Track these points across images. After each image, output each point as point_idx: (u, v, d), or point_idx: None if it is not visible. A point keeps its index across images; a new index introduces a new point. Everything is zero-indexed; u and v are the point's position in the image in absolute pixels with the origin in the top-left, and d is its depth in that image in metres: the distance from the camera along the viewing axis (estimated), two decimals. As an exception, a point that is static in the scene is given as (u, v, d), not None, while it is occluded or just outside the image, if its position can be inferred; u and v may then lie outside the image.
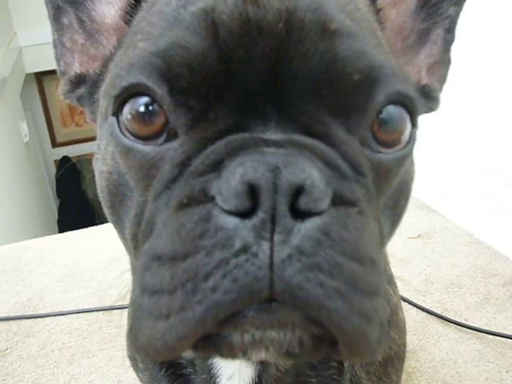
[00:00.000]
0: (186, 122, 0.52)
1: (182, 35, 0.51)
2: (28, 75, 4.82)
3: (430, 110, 0.74)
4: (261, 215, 0.45)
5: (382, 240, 0.57)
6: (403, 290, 1.37)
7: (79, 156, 5.38)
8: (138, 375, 0.87)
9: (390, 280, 0.81)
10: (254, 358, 0.49)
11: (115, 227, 0.62)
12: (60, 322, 1.47)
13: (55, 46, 0.73)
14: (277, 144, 0.48)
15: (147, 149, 0.53)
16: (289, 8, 0.51)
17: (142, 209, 0.55)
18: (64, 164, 5.42)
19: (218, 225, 0.45)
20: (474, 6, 0.78)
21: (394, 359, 0.81)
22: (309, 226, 0.45)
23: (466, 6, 0.70)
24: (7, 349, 1.37)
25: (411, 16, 0.70)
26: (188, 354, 0.50)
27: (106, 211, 0.62)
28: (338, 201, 0.48)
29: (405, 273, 1.50)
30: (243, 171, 0.45)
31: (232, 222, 0.45)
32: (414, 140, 0.58)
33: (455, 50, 0.74)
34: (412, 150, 0.58)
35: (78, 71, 0.72)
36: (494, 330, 1.33)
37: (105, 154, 0.60)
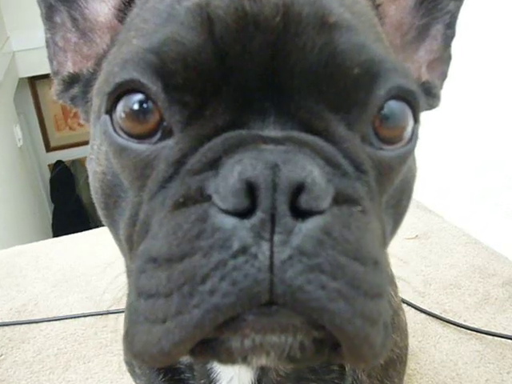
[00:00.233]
0: (182, 119, 0.50)
1: (176, 30, 0.50)
2: (21, 79, 4.80)
3: (431, 107, 0.73)
4: (260, 215, 0.43)
5: (385, 240, 0.56)
6: (402, 291, 1.36)
7: (73, 160, 5.36)
8: (135, 381, 0.86)
9: (391, 281, 0.80)
10: (254, 363, 0.47)
11: (109, 229, 0.61)
12: (55, 327, 1.45)
13: (48, 46, 0.72)
14: (275, 141, 0.47)
15: (141, 147, 0.52)
16: (286, 1, 0.50)
17: (136, 210, 0.53)
18: (58, 168, 5.39)
19: (215, 225, 0.44)
20: (475, 0, 0.77)
21: (395, 362, 0.80)
22: (310, 225, 0.44)
23: (466, 1, 0.69)
24: (2, 355, 1.35)
25: (410, 12, 0.69)
26: (185, 359, 0.49)
27: (100, 213, 0.61)
28: (340, 199, 0.46)
29: (403, 274, 1.48)
30: (241, 169, 0.44)
31: (230, 221, 0.43)
32: (417, 136, 0.56)
33: (455, 46, 0.73)
34: (414, 146, 0.57)
35: (71, 71, 0.71)
36: (493, 330, 1.31)
37: (98, 153, 0.58)
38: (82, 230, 1.98)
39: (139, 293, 0.48)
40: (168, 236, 0.46)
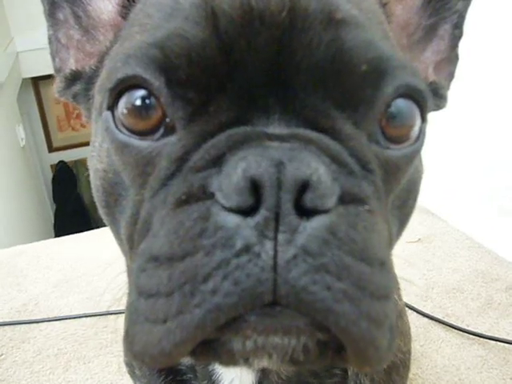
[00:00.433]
0: (185, 115, 0.50)
1: (180, 25, 0.49)
2: (25, 80, 4.81)
3: (438, 107, 0.72)
4: (264, 213, 0.42)
5: (391, 242, 0.55)
6: (404, 294, 1.35)
7: (75, 160, 5.36)
8: (135, 383, 0.85)
9: (396, 283, 0.79)
10: (256, 365, 0.46)
11: (110, 228, 0.60)
12: (55, 327, 1.44)
13: (50, 42, 0.71)
14: (280, 138, 0.46)
15: (143, 144, 0.51)
16: None
17: (137, 208, 0.52)
18: (60, 168, 5.40)
19: (218, 223, 0.43)
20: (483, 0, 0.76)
21: (399, 366, 0.79)
22: (315, 224, 0.43)
23: (474, 1, 0.68)
24: (2, 354, 1.35)
25: (417, 11, 0.68)
26: (186, 360, 0.48)
27: (101, 211, 0.60)
28: (346, 198, 0.45)
29: (405, 277, 1.47)
30: (245, 166, 0.43)
31: (233, 220, 0.42)
32: (424, 136, 0.55)
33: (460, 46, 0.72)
34: (422, 146, 0.56)
35: (74, 68, 0.70)
36: (496, 335, 1.30)
37: (100, 151, 0.57)
38: (83, 230, 1.98)
39: (140, 292, 0.47)
40: (169, 234, 0.45)
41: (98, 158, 0.58)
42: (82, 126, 5.35)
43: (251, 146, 0.45)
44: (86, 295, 1.56)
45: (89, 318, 1.46)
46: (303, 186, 0.42)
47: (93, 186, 0.60)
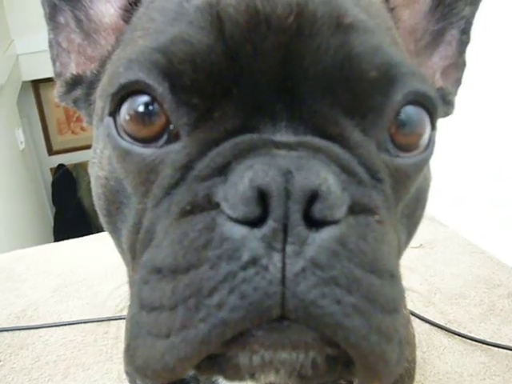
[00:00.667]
0: (189, 122, 0.48)
1: (184, 29, 0.48)
2: (24, 83, 4.80)
3: (446, 114, 0.71)
4: (271, 224, 0.41)
5: (399, 252, 0.54)
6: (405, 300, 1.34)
7: (75, 164, 5.35)
8: (136, 392, 0.84)
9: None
10: (263, 380, 0.45)
11: (112, 236, 0.59)
12: (55, 333, 1.43)
13: (51, 46, 0.70)
14: (288, 146, 0.45)
15: (146, 152, 0.50)
16: (300, 1, 0.48)
17: (140, 217, 0.51)
18: (60, 172, 5.39)
19: (223, 234, 0.41)
20: (490, 5, 0.75)
21: (404, 377, 0.78)
22: (324, 235, 0.41)
23: (481, 6, 0.68)
24: (0, 361, 1.33)
25: (424, 17, 0.67)
26: (190, 372, 0.47)
27: (102, 219, 0.58)
28: (356, 208, 0.44)
29: (407, 283, 1.46)
30: (252, 175, 0.42)
31: (239, 231, 0.41)
32: (434, 144, 0.54)
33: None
34: (431, 154, 0.55)
35: (75, 72, 0.69)
36: (499, 342, 1.29)
37: (101, 158, 0.56)
38: (83, 234, 1.97)
39: (142, 305, 0.46)
40: (173, 245, 0.44)
41: (99, 164, 0.57)
42: (82, 129, 5.34)
43: (258, 154, 0.44)
44: (85, 301, 1.55)
45: (88, 324, 1.44)
46: (312, 196, 0.41)
47: (94, 193, 0.59)
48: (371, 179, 0.48)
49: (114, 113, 0.52)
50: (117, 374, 1.26)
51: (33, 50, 4.21)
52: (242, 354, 0.43)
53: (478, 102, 1.61)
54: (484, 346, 1.29)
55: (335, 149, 0.47)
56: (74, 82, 0.69)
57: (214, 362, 0.44)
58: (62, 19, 0.68)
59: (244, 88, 0.47)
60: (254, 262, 0.40)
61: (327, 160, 0.45)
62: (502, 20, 1.55)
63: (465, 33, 0.70)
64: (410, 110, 0.51)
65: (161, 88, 0.48)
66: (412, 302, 1.43)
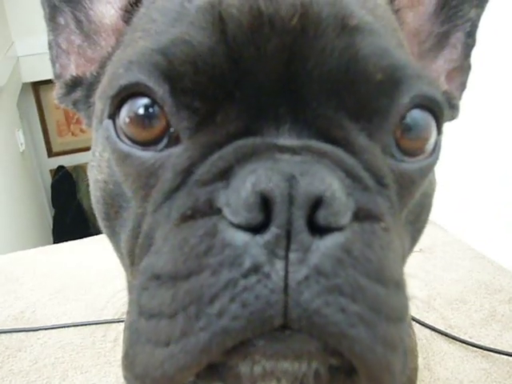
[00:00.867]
0: (190, 125, 0.47)
1: (186, 31, 0.47)
2: (25, 84, 4.80)
3: (451, 118, 0.70)
4: (274, 230, 0.40)
5: (404, 259, 0.53)
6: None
7: (75, 166, 5.35)
8: (133, 396, 0.83)
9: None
10: None
11: (110, 241, 0.58)
12: (53, 335, 1.42)
13: (50, 47, 0.69)
14: (292, 150, 0.44)
15: (146, 155, 0.49)
16: (304, 1, 0.47)
17: (139, 222, 0.50)
18: (60, 174, 5.38)
19: (225, 240, 0.40)
20: (496, 8, 0.75)
21: None
22: (328, 243, 0.40)
23: (487, 9, 0.67)
24: (-2, 363, 1.33)
25: (429, 19, 0.66)
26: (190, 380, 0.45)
27: (101, 223, 0.57)
28: (361, 215, 0.43)
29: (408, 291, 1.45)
30: (255, 180, 0.40)
31: (241, 237, 0.40)
32: (440, 148, 0.53)
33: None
34: (437, 159, 0.54)
35: (74, 74, 0.68)
36: (500, 348, 1.28)
37: (100, 161, 0.55)
38: (82, 236, 1.96)
39: (140, 312, 0.45)
40: (173, 251, 0.43)
41: (98, 168, 0.56)
42: (82, 131, 5.33)
43: (261, 158, 0.43)
44: (84, 303, 1.54)
45: (87, 327, 1.43)
46: (316, 202, 0.40)
47: (92, 196, 0.58)
48: (376, 185, 0.47)
49: (113, 115, 0.51)
50: (115, 377, 1.25)
51: (33, 51, 4.21)
52: (243, 364, 0.42)
53: (481, 105, 1.60)
54: (485, 351, 1.28)
55: (340, 153, 0.46)
56: (74, 84, 0.68)
57: (214, 370, 0.43)
58: (61, 20, 0.67)
59: (247, 90, 0.46)
60: (255, 269, 0.39)
61: (332, 165, 0.44)
62: (507, 23, 1.54)
63: (470, 35, 0.69)
64: (416, 114, 0.50)
65: (161, 90, 0.47)
66: (412, 308, 1.42)
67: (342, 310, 0.40)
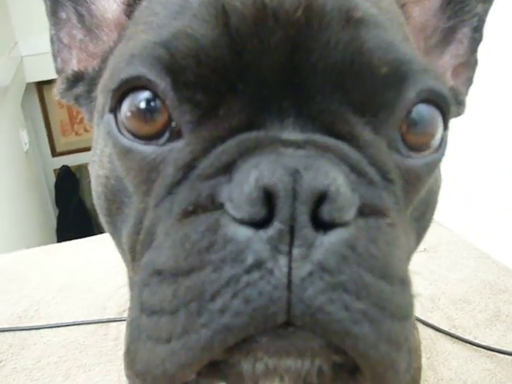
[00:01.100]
0: (192, 119, 0.47)
1: (188, 23, 0.46)
2: (29, 84, 4.80)
3: (457, 114, 0.69)
4: (277, 225, 0.39)
5: (409, 256, 0.52)
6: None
7: (79, 165, 5.35)
8: (136, 394, 0.82)
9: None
10: None
11: (112, 237, 0.57)
12: (56, 334, 1.42)
13: (52, 42, 0.69)
14: (295, 144, 0.43)
15: (148, 149, 0.48)
16: None
17: (141, 217, 0.49)
18: (63, 173, 5.39)
19: (227, 236, 0.40)
20: (504, 2, 0.74)
21: None
22: (333, 238, 0.39)
23: (495, 3, 0.66)
24: (1, 361, 1.32)
25: (435, 14, 0.66)
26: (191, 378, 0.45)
27: (102, 219, 0.57)
28: (366, 210, 0.42)
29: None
30: (258, 174, 0.40)
31: (244, 232, 0.39)
32: (446, 144, 0.53)
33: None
34: (443, 155, 0.53)
35: (76, 68, 0.67)
36: (504, 348, 1.28)
37: (101, 156, 0.55)
38: (86, 236, 1.96)
39: (142, 308, 0.44)
40: (175, 247, 0.42)
41: (99, 163, 0.55)
42: (86, 130, 5.34)
43: (264, 152, 0.42)
44: (87, 302, 1.54)
45: (90, 326, 1.43)
46: (320, 197, 0.39)
47: (94, 192, 0.58)
48: (382, 180, 0.46)
49: (114, 109, 0.50)
50: (117, 375, 1.25)
51: (37, 51, 4.21)
52: (245, 361, 0.41)
53: (486, 102, 1.59)
54: (489, 352, 1.28)
55: (344, 148, 0.45)
56: (76, 79, 0.67)
57: (216, 368, 0.42)
58: (63, 14, 0.67)
59: (250, 84, 0.45)
60: (258, 265, 0.39)
61: (336, 159, 0.43)
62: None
63: (477, 31, 0.68)
64: (422, 109, 0.49)
65: (163, 84, 0.46)
66: (417, 306, 1.42)
67: (346, 307, 0.39)
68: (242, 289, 0.39)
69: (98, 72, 0.63)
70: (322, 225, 0.40)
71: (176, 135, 0.48)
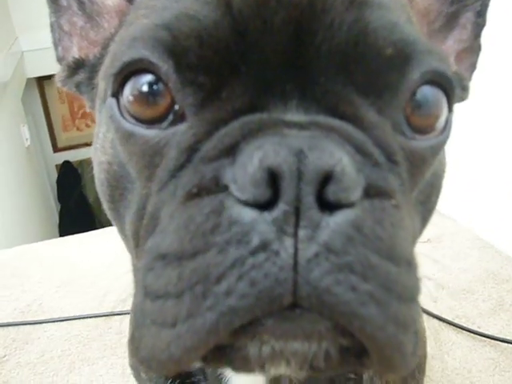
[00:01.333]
0: (195, 101, 0.46)
1: (190, 5, 0.46)
2: (29, 80, 4.79)
3: (461, 99, 0.68)
4: (283, 207, 0.38)
5: (414, 240, 0.52)
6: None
7: (80, 160, 5.35)
8: (140, 386, 0.82)
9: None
10: (273, 371, 0.43)
11: (115, 224, 0.57)
12: (59, 328, 1.42)
13: (53, 30, 0.68)
14: (299, 126, 0.43)
15: (151, 133, 0.48)
16: None
17: (144, 202, 0.49)
18: (65, 168, 5.39)
19: (232, 218, 0.39)
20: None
21: (414, 371, 0.76)
22: (339, 219, 0.39)
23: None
24: (5, 356, 1.33)
25: None
26: (196, 364, 0.45)
27: (105, 206, 0.56)
28: (372, 191, 0.42)
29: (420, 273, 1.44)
30: (262, 155, 0.39)
31: (249, 214, 0.39)
32: (450, 126, 0.52)
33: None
34: (448, 137, 0.52)
35: (77, 56, 0.67)
36: (508, 337, 1.28)
37: (104, 141, 0.54)
38: (88, 231, 1.96)
39: (146, 293, 0.44)
40: (179, 230, 0.42)
41: (101, 149, 0.55)
42: (87, 125, 5.34)
43: (268, 134, 0.42)
44: (90, 296, 1.54)
45: (93, 319, 1.44)
46: (326, 178, 0.39)
47: (96, 179, 0.57)
48: (387, 161, 0.46)
49: (116, 93, 0.50)
50: (121, 369, 1.25)
51: (37, 46, 4.21)
52: (251, 345, 0.41)
53: (490, 88, 1.58)
54: (493, 341, 1.28)
55: (349, 129, 0.44)
56: (77, 66, 0.67)
57: (221, 352, 0.42)
58: (64, 1, 0.66)
59: (253, 65, 0.45)
60: (264, 246, 0.38)
61: (341, 140, 0.43)
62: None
63: (480, 15, 0.67)
64: (427, 91, 0.49)
65: (165, 66, 0.46)
66: (424, 290, 1.42)
67: (353, 288, 0.39)
68: (247, 271, 0.38)
69: (99, 59, 0.63)
70: (327, 205, 0.39)
71: (179, 118, 0.48)
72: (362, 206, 0.40)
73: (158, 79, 0.47)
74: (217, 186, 0.41)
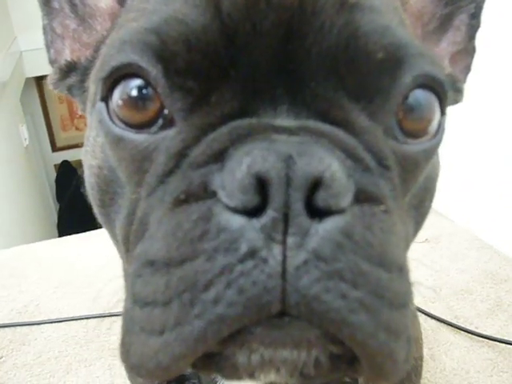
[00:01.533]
0: (184, 106, 0.46)
1: (179, 9, 0.45)
2: (28, 79, 4.79)
3: (455, 102, 0.68)
4: (271, 213, 0.38)
5: (407, 244, 0.51)
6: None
7: (79, 160, 5.33)
8: (136, 388, 0.82)
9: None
10: (263, 379, 0.42)
11: (106, 228, 0.57)
12: (56, 329, 1.42)
13: (45, 32, 0.68)
14: (289, 131, 0.42)
15: (140, 138, 0.47)
16: None
17: (134, 207, 0.49)
18: (64, 168, 5.38)
19: (220, 225, 0.39)
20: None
21: (410, 374, 0.75)
22: (328, 226, 0.38)
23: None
24: (2, 357, 1.32)
25: (432, 0, 0.64)
26: (187, 370, 0.44)
27: (96, 210, 0.56)
28: (362, 197, 0.41)
29: (412, 278, 1.44)
30: (250, 161, 0.39)
31: (237, 221, 0.38)
32: (443, 130, 0.52)
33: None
34: (441, 141, 0.52)
35: (69, 59, 0.66)
36: (506, 338, 1.27)
37: (94, 146, 0.54)
38: (87, 230, 1.96)
39: (135, 300, 0.44)
40: (167, 236, 0.41)
41: (92, 153, 0.55)
42: (86, 125, 5.33)
43: (256, 139, 0.41)
44: (87, 296, 1.54)
45: (90, 320, 1.43)
46: (315, 184, 0.38)
47: (87, 183, 0.57)
48: (378, 166, 0.45)
49: (106, 98, 0.49)
50: (119, 370, 1.24)
51: (36, 46, 4.18)
52: (240, 353, 0.41)
53: (486, 89, 1.58)
54: (491, 341, 1.27)
55: (339, 134, 0.44)
56: (69, 69, 0.67)
57: (210, 360, 0.42)
58: (56, 4, 0.66)
59: (242, 69, 0.44)
60: (252, 254, 0.38)
61: (331, 145, 0.42)
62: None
63: (475, 17, 0.67)
64: (419, 94, 0.48)
65: (154, 71, 0.45)
66: (417, 298, 1.41)
67: (343, 295, 0.38)
68: (235, 278, 0.38)
69: (91, 62, 0.62)
70: (316, 212, 0.39)
71: (168, 123, 0.47)
72: (351, 212, 0.40)
73: (147, 84, 0.47)
74: (205, 193, 0.41)
